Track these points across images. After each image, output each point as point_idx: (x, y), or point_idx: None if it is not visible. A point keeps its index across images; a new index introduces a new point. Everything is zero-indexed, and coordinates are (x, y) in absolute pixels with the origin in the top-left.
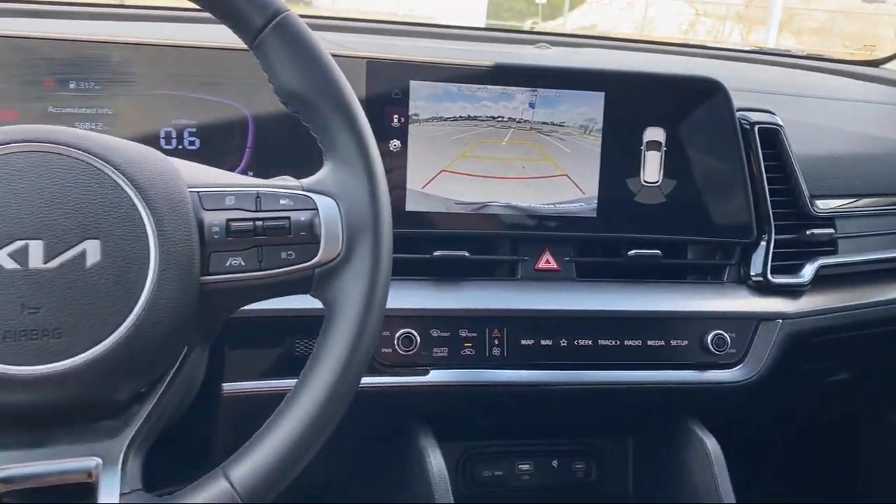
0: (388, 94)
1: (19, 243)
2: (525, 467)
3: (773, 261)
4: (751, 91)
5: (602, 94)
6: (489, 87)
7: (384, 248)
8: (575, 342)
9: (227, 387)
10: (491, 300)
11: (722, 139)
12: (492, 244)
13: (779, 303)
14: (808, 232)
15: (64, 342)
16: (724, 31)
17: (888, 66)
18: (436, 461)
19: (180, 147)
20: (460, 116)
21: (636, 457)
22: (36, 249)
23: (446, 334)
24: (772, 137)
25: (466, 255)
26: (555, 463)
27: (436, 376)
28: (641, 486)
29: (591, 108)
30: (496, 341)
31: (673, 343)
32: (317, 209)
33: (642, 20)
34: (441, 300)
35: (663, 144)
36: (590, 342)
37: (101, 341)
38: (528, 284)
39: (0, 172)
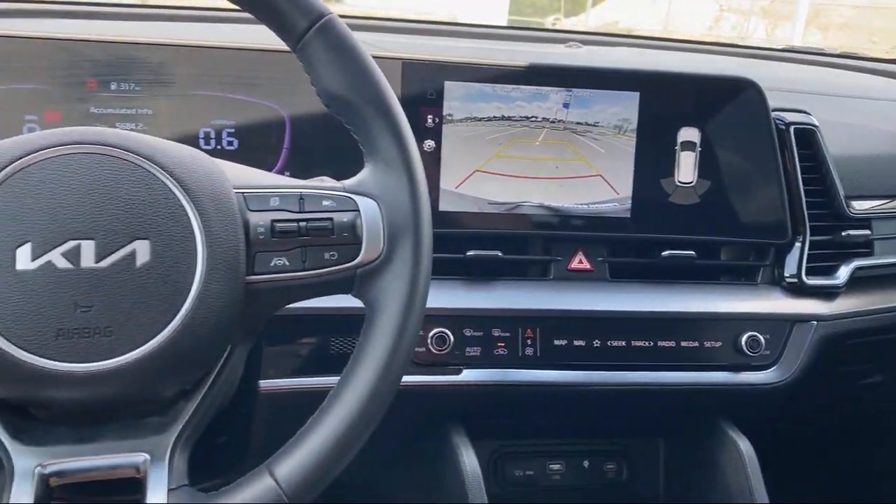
0: (423, 94)
1: (72, 243)
2: (556, 467)
3: (807, 262)
4: (785, 91)
5: (637, 94)
6: (523, 87)
7: (425, 249)
8: (608, 343)
9: (264, 384)
10: (524, 300)
11: (757, 140)
12: (524, 244)
13: (813, 304)
14: (843, 233)
15: (114, 340)
16: (749, 27)
17: None
18: (469, 460)
19: (219, 147)
20: (494, 117)
21: (667, 458)
22: (88, 249)
23: (479, 334)
24: (807, 138)
25: (499, 254)
26: (586, 463)
27: (469, 376)
28: (672, 487)
29: (625, 108)
30: (529, 341)
31: (706, 344)
32: (359, 210)
33: (666, 16)
34: (474, 300)
35: (698, 145)
36: (623, 343)
37: (150, 340)
38: (561, 284)
39: (54, 174)
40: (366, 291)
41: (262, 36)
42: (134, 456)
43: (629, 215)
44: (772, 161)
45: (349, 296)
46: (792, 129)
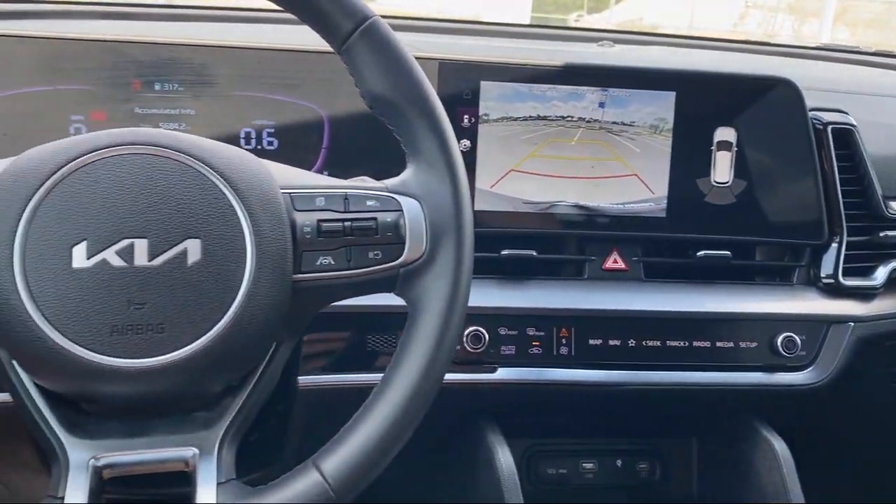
0: (460, 94)
1: (126, 242)
2: (589, 466)
3: (844, 262)
4: (821, 90)
5: (673, 93)
6: (559, 86)
7: (467, 249)
8: (643, 343)
9: (302, 380)
10: (559, 299)
11: (794, 139)
12: (559, 244)
13: (850, 305)
14: (881, 234)
15: (167, 337)
16: (776, 23)
17: None
18: (504, 458)
19: (259, 147)
20: (530, 116)
21: (700, 457)
22: (141, 248)
23: (514, 333)
24: (845, 138)
25: (534, 254)
26: (619, 462)
27: (503, 374)
28: (706, 486)
29: (661, 107)
30: (564, 340)
31: (742, 345)
32: (402, 210)
33: (691, 13)
34: (509, 299)
35: (734, 144)
36: (658, 343)
37: (200, 336)
38: (596, 284)
39: (109, 174)
40: (408, 290)
41: (302, 37)
42: (183, 450)
43: (665, 215)
44: (809, 161)
45: (386, 294)
46: (830, 128)
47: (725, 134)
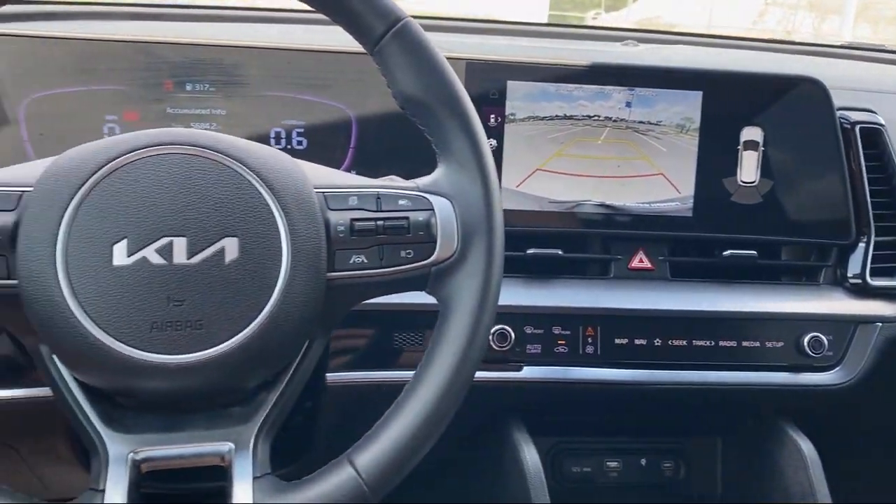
0: (486, 94)
1: (165, 240)
2: (613, 464)
3: (871, 262)
4: (848, 89)
5: (700, 93)
6: (585, 86)
7: (497, 248)
8: (669, 342)
9: (330, 377)
10: (585, 298)
11: (821, 139)
12: (585, 243)
13: (878, 306)
14: None
15: (205, 333)
16: (796, 20)
17: None
18: (530, 456)
19: (288, 147)
20: (556, 116)
21: (725, 457)
22: (180, 246)
23: (540, 331)
24: (873, 137)
25: (560, 253)
26: (643, 461)
27: (529, 373)
28: (730, 486)
29: (688, 107)
30: (590, 339)
31: (768, 344)
32: (433, 209)
33: (710, 11)
34: (535, 297)
35: (761, 144)
36: (684, 342)
37: (237, 333)
38: (622, 283)
39: (148, 173)
40: (439, 289)
41: (331, 37)
42: (220, 445)
43: (691, 214)
44: (836, 161)
45: (413, 292)
46: (858, 128)
47: (752, 133)
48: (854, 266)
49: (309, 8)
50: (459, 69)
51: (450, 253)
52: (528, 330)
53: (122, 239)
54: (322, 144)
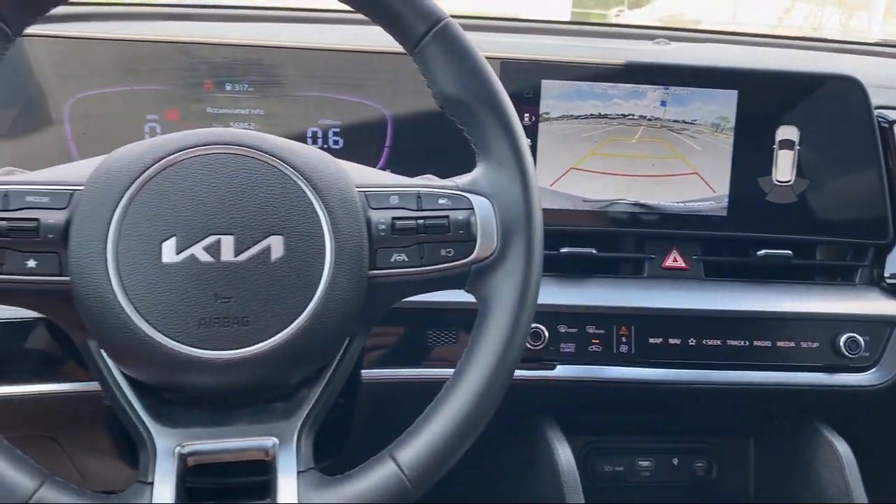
0: (521, 93)
1: (213, 238)
2: (645, 464)
3: None
4: (885, 87)
5: (735, 92)
6: (620, 85)
7: (536, 247)
8: (703, 341)
9: (365, 373)
10: (619, 297)
11: (858, 138)
12: (618, 242)
13: None
14: None
15: (251, 330)
16: (823, 17)
17: None
18: (564, 455)
19: (324, 146)
20: (591, 114)
21: (758, 457)
22: (227, 244)
23: (574, 330)
24: None
25: (593, 252)
26: (675, 461)
27: (562, 371)
28: (763, 486)
29: (723, 105)
30: (624, 339)
31: (803, 345)
32: (473, 208)
33: (734, 7)
34: (569, 297)
35: (796, 143)
36: (718, 342)
37: (282, 329)
38: (656, 283)
39: (196, 172)
40: (479, 287)
41: (366, 36)
42: (264, 439)
43: (725, 214)
44: (873, 160)
45: (447, 290)
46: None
47: (788, 132)
48: (891, 266)
49: (348, 8)
50: (494, 68)
51: (489, 252)
52: (562, 329)
53: (171, 237)
54: (358, 144)
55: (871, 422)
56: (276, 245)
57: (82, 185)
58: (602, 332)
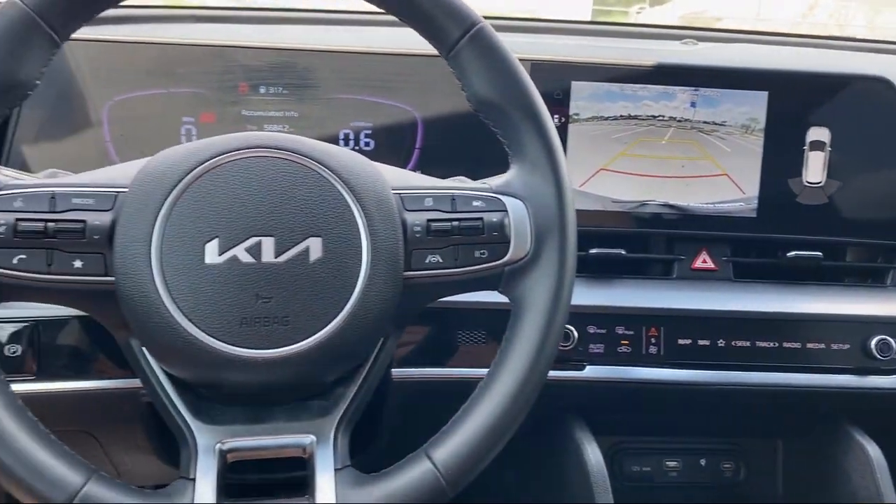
0: (550, 94)
1: (254, 239)
2: (673, 464)
3: None
4: None
5: (766, 93)
6: (650, 86)
7: (570, 249)
8: (732, 343)
9: (395, 372)
10: (648, 298)
11: (890, 138)
12: (648, 242)
13: None
14: None
15: (290, 329)
16: (848, 14)
17: None
18: (593, 455)
19: (356, 148)
20: (621, 116)
21: (786, 459)
22: (268, 245)
23: (603, 331)
24: None
25: (623, 253)
26: (703, 461)
27: (591, 372)
28: (792, 488)
29: (753, 107)
30: (653, 339)
31: (833, 347)
32: (507, 210)
33: (758, 4)
34: (598, 297)
35: (827, 144)
36: (747, 343)
37: (321, 329)
38: (685, 284)
39: (237, 175)
40: (512, 289)
41: (397, 38)
42: (302, 437)
43: (755, 215)
44: None
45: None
46: None
47: (819, 134)
48: None
49: (378, 10)
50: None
51: (523, 253)
52: (591, 329)
53: (214, 238)
54: (388, 145)
55: None
56: (314, 246)
57: (127, 188)
58: (631, 332)
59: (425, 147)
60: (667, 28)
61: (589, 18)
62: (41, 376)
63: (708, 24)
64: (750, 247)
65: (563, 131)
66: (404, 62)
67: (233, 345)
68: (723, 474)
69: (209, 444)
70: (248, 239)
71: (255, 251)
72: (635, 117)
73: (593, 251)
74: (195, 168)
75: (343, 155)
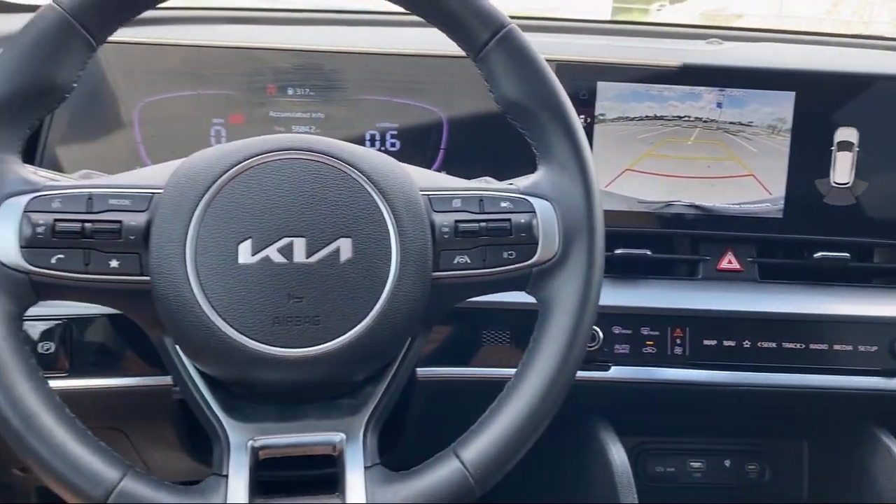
0: (576, 94)
1: (286, 240)
2: (697, 465)
3: None
4: None
5: (793, 93)
6: (676, 86)
7: (598, 250)
8: (758, 344)
9: (421, 371)
10: (673, 299)
11: None
12: (673, 243)
13: None
14: None
15: (321, 328)
16: (873, 11)
17: None
18: (618, 455)
19: (382, 148)
20: (646, 116)
21: (812, 461)
22: (300, 246)
23: (628, 332)
24: None
25: (648, 253)
26: (727, 462)
27: (616, 372)
28: (817, 490)
29: (780, 107)
30: (678, 340)
31: (860, 348)
32: (534, 211)
33: (780, 1)
34: (623, 298)
35: (855, 145)
36: (773, 344)
37: (351, 328)
38: (710, 284)
39: (270, 177)
40: (540, 289)
41: (423, 39)
42: (332, 435)
43: (781, 216)
44: None
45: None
46: None
47: (847, 134)
48: None
49: (401, 10)
50: None
51: (551, 254)
52: (617, 330)
53: (247, 239)
54: (414, 146)
55: None
56: (344, 247)
57: (162, 189)
58: (656, 333)
59: (450, 148)
60: (691, 27)
61: (609, 16)
62: (73, 373)
63: (728, 22)
64: (776, 248)
65: (588, 132)
66: (430, 63)
67: (265, 343)
68: (747, 475)
69: (241, 441)
70: (280, 239)
71: (287, 251)
72: (661, 118)
73: (619, 251)
74: (229, 170)
75: (372, 157)
